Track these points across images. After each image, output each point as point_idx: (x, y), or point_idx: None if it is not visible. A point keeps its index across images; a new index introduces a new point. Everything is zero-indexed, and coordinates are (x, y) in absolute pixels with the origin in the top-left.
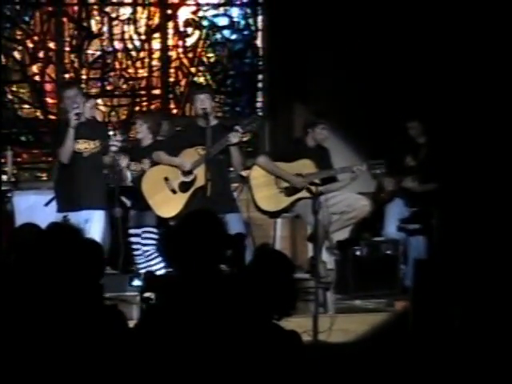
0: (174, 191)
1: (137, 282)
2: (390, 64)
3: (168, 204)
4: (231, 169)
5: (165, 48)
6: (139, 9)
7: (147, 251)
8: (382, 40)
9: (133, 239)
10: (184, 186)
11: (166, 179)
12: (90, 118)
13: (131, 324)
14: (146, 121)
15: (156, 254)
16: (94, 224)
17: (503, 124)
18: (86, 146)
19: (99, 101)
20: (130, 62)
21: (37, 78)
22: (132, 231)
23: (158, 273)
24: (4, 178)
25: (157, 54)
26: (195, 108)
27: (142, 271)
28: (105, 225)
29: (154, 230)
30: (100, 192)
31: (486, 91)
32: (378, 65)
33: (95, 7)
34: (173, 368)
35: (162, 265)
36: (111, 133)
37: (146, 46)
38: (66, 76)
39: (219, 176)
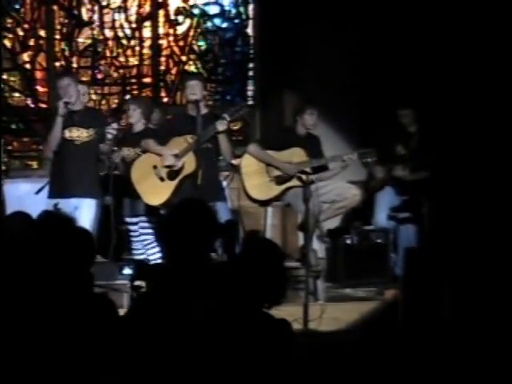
0: (162, 179)
1: (127, 271)
2: (382, 51)
3: (156, 192)
4: (221, 157)
5: (156, 36)
6: None
7: (145, 240)
8: (373, 27)
9: (130, 227)
10: (172, 174)
11: (155, 167)
12: (87, 107)
13: (122, 312)
14: (139, 105)
15: (154, 244)
16: (83, 212)
17: (494, 114)
18: (78, 134)
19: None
20: (120, 51)
21: (27, 66)
22: (128, 219)
23: (156, 261)
24: None
25: (147, 43)
26: (186, 95)
27: (140, 258)
28: (96, 213)
29: (150, 218)
30: (91, 181)
31: (478, 80)
32: (369, 53)
33: None
34: (162, 356)
35: (159, 255)
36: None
37: (137, 34)
38: (57, 64)
39: (207, 164)
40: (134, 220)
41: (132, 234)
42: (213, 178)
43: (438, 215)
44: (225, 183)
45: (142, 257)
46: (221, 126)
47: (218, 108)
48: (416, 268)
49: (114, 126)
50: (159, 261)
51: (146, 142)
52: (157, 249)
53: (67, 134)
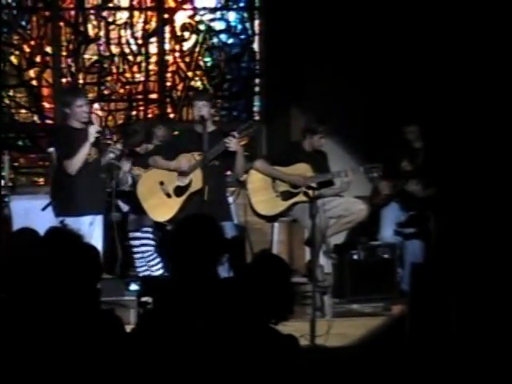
0: (168, 195)
1: (134, 287)
2: (388, 68)
3: (162, 208)
4: (229, 173)
5: (162, 52)
6: (136, 13)
7: (147, 251)
8: (379, 44)
9: (132, 242)
10: (179, 191)
11: (162, 183)
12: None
13: (128, 329)
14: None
15: (155, 255)
16: (96, 228)
17: (500, 128)
18: (90, 153)
19: (96, 105)
20: (126, 67)
21: (34, 82)
22: (131, 235)
23: (157, 274)
24: (1, 182)
25: (154, 59)
26: (193, 114)
27: (142, 273)
28: (105, 231)
29: (153, 231)
30: (101, 196)
31: (484, 97)
32: (375, 69)
33: (92, 11)
34: (169, 372)
35: (160, 266)
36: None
37: (143, 50)
38: (63, 80)
39: (214, 182)
40: (138, 235)
41: (135, 249)
42: (220, 197)
43: (445, 230)
44: (231, 199)
45: (146, 272)
46: (232, 144)
47: (224, 124)
48: (423, 283)
49: (118, 146)
50: (161, 272)
51: (154, 158)
52: (158, 260)
53: None
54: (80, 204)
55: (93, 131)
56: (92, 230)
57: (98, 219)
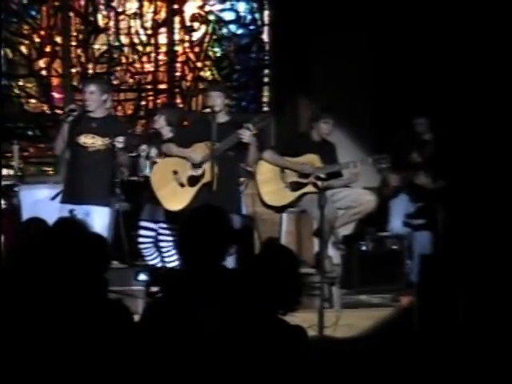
0: (182, 185)
1: (142, 277)
2: (397, 60)
3: (175, 197)
4: (242, 164)
5: (171, 42)
6: (145, 3)
7: (164, 247)
8: (388, 35)
9: (143, 232)
10: (192, 180)
11: (175, 172)
12: (109, 115)
13: (136, 318)
14: (163, 112)
15: (173, 251)
16: (94, 219)
17: (509, 120)
18: (93, 142)
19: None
20: (136, 57)
21: (43, 72)
22: (143, 224)
23: (172, 267)
24: (11, 172)
25: (163, 49)
26: (207, 104)
27: (151, 263)
28: (112, 220)
29: (169, 225)
30: (103, 189)
31: (493, 89)
32: (384, 61)
33: (102, 1)
34: (176, 363)
35: (177, 261)
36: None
37: (153, 40)
38: (73, 70)
39: (227, 173)
40: (151, 225)
41: (145, 239)
42: (230, 188)
43: (453, 221)
44: (241, 190)
45: (154, 262)
46: (246, 136)
47: (232, 114)
48: (431, 274)
49: (119, 139)
50: (177, 266)
51: (168, 146)
52: (175, 256)
53: (82, 139)
54: (77, 193)
55: (66, 110)
56: (90, 220)
57: (99, 211)
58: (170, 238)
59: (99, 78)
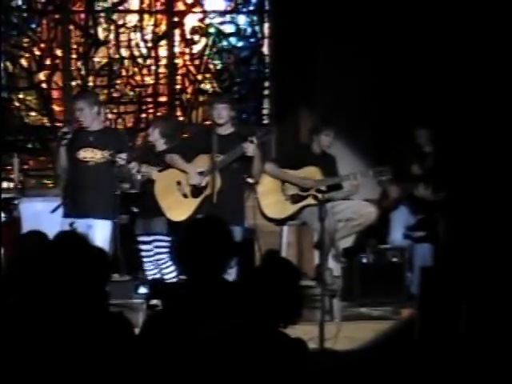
0: (185, 195)
1: (143, 290)
2: (399, 72)
3: (178, 208)
4: (245, 177)
5: (171, 55)
6: (146, 16)
7: (160, 259)
8: (389, 47)
9: (142, 247)
10: (195, 191)
11: (179, 183)
12: (105, 128)
13: (137, 332)
14: (157, 125)
15: (170, 263)
16: (96, 232)
17: (509, 132)
18: (92, 156)
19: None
20: (136, 70)
21: (44, 85)
22: (140, 238)
23: (170, 280)
24: (11, 184)
25: (163, 61)
26: (212, 116)
27: (151, 277)
28: (112, 233)
29: (165, 237)
30: (103, 202)
31: (494, 101)
32: (385, 72)
33: (102, 14)
34: (176, 375)
35: (174, 273)
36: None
37: (153, 53)
38: (73, 83)
39: (231, 185)
40: (147, 239)
41: (144, 253)
42: (233, 200)
43: (454, 234)
44: (244, 201)
45: (155, 276)
46: (250, 149)
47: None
48: (432, 287)
49: (123, 156)
50: (174, 280)
51: (171, 156)
52: (172, 268)
53: (81, 154)
54: (78, 207)
55: (60, 134)
56: (92, 234)
57: (100, 224)
58: (167, 250)
59: (86, 92)
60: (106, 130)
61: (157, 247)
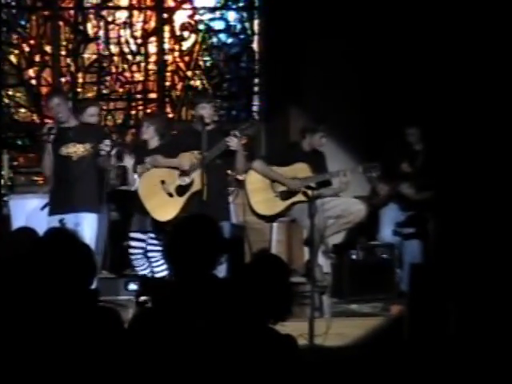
0: (170, 195)
1: (132, 286)
2: (389, 70)
3: (164, 207)
4: (229, 172)
5: (161, 52)
6: (135, 13)
7: (153, 257)
8: (380, 46)
9: (134, 243)
10: (180, 190)
11: (163, 182)
12: (82, 123)
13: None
14: (152, 122)
15: (162, 261)
16: (85, 228)
17: (499, 130)
18: (75, 150)
19: None
20: (126, 66)
21: (33, 81)
22: (133, 235)
23: (161, 277)
24: (1, 182)
25: (153, 58)
26: (195, 114)
27: (141, 273)
28: (99, 228)
29: (158, 235)
30: (90, 195)
31: (484, 99)
32: (376, 71)
33: (91, 11)
34: (165, 372)
35: (166, 271)
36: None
37: (142, 49)
38: (63, 80)
39: (215, 181)
40: (141, 236)
41: (135, 251)
42: (219, 196)
43: (443, 231)
44: (230, 198)
45: (145, 272)
46: (233, 143)
47: (223, 123)
48: (421, 283)
49: (107, 142)
50: (166, 276)
51: (154, 157)
52: (164, 266)
53: (64, 150)
54: (66, 203)
55: (45, 130)
56: (80, 230)
57: (88, 218)
58: (159, 248)
59: (58, 90)
60: (83, 125)
61: (150, 245)
